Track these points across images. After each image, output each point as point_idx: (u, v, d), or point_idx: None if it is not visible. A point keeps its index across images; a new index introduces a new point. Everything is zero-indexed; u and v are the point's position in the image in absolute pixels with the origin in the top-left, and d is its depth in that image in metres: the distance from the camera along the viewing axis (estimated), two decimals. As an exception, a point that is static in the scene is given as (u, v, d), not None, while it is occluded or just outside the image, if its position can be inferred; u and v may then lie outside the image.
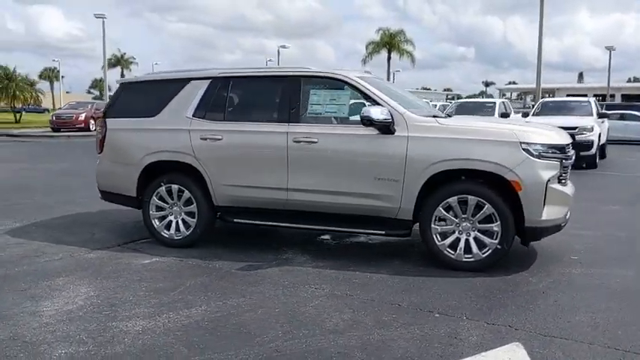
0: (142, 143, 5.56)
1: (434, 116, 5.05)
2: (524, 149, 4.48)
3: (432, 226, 4.71)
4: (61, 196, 8.21)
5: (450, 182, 4.69)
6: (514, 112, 17.22)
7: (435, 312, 3.76)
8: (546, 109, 14.43)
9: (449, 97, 71.07)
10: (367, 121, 4.69)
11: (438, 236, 4.72)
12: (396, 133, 4.76)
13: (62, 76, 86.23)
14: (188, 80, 5.56)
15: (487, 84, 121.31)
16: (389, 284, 4.35)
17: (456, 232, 4.70)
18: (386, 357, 3.09)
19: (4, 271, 4.69)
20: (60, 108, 34.05)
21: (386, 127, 4.74)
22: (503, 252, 4.58)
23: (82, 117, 25.75)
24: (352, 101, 5.50)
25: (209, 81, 5.46)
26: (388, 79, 49.52)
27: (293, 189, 5.05)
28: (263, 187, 5.16)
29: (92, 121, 24.78)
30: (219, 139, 5.25)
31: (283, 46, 43.59)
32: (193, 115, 5.40)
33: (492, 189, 4.57)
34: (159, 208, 5.56)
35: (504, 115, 14.89)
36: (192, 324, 3.57)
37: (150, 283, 4.39)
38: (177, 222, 5.51)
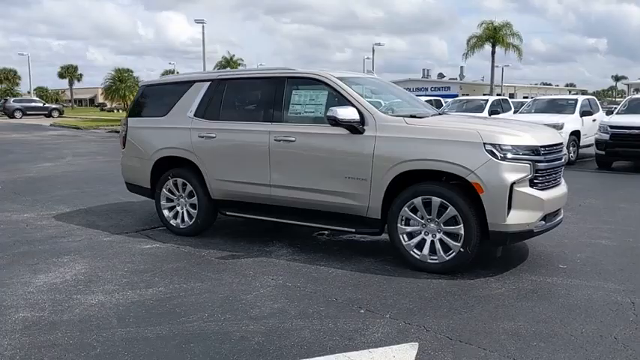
0: (153, 140, 6.14)
1: (411, 116, 5.05)
2: (487, 150, 4.35)
3: (399, 226, 4.73)
4: (120, 187, 9.15)
5: (416, 183, 4.68)
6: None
7: (363, 308, 3.84)
8: (633, 107, 13.19)
9: (571, 92, 66.11)
10: (333, 121, 4.82)
11: (405, 236, 4.73)
12: (365, 133, 4.84)
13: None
14: (193, 82, 6.05)
15: (617, 78, 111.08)
16: (343, 280, 4.47)
17: (422, 233, 4.68)
18: (279, 343, 3.28)
19: (28, 248, 5.48)
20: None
21: (353, 127, 4.84)
22: (467, 255, 4.48)
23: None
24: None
25: (209, 83, 5.90)
26: (492, 73, 47.36)
27: (275, 185, 5.32)
28: (250, 182, 5.48)
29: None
30: (213, 137, 5.67)
31: (378, 44, 43.86)
32: (194, 115, 5.87)
33: (455, 191, 4.50)
34: (168, 200, 6.12)
35: (587, 113, 13.81)
36: (139, 301, 3.99)
37: (134, 265, 4.91)
38: (182, 212, 6.03)
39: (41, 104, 43.70)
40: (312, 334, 3.42)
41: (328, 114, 4.82)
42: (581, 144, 13.38)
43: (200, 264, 4.96)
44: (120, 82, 33.06)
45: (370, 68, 46.11)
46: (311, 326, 3.53)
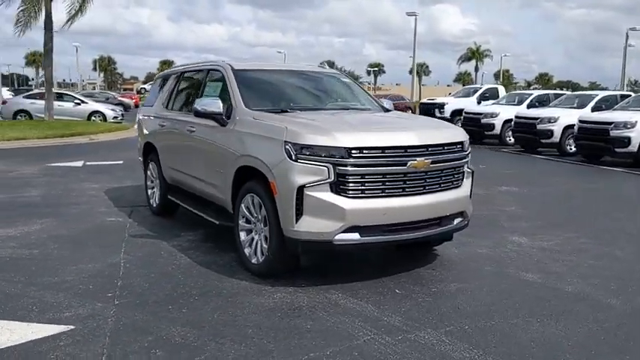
0: (145, 127, 7.01)
1: (281, 110, 4.76)
2: (285, 149, 3.93)
3: (239, 222, 4.58)
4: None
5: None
6: None
7: (116, 294, 3.99)
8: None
9: None
10: (195, 113, 4.88)
11: (243, 233, 4.56)
12: (227, 126, 4.79)
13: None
14: (170, 75, 6.69)
15: None
16: (167, 269, 4.59)
17: (253, 232, 4.45)
18: (23, 313, 3.63)
19: (34, 210, 6.71)
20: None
21: (217, 120, 4.83)
22: (271, 260, 4.13)
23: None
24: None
25: (176, 75, 6.47)
26: None
27: (187, 173, 5.64)
28: (177, 169, 5.90)
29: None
30: (164, 126, 6.23)
31: (633, 29, 36.73)
32: (163, 105, 6.51)
33: (264, 190, 4.16)
34: (151, 181, 6.92)
35: None
36: (5, 258, 4.84)
37: (66, 231, 5.76)
38: (156, 193, 6.76)
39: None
40: (30, 302, 3.75)
41: (193, 105, 4.93)
42: None
43: (111, 236, 5.56)
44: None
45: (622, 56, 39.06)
46: (45, 297, 3.85)
